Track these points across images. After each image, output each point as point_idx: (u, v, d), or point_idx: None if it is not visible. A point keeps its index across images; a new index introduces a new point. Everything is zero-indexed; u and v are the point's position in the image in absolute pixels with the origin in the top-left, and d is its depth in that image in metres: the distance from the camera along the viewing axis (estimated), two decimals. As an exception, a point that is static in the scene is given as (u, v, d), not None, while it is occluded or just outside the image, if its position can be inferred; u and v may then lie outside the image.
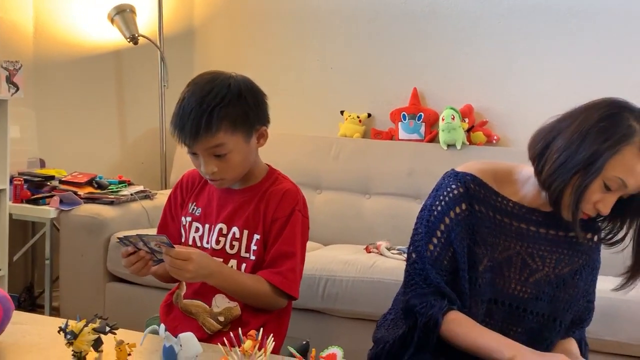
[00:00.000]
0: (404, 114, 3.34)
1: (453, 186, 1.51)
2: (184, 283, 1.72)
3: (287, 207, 1.65)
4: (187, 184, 1.78)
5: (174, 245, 1.52)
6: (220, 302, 1.65)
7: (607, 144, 1.36)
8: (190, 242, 1.71)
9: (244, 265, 1.65)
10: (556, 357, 1.40)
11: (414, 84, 3.38)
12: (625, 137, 1.36)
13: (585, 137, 1.38)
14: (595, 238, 1.56)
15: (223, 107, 1.55)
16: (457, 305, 1.48)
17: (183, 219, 1.74)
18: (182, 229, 1.74)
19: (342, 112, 3.52)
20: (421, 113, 3.31)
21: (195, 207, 1.73)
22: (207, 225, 1.70)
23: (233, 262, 1.66)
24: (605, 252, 1.60)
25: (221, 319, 1.65)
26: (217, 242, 1.67)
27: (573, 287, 1.55)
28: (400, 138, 3.35)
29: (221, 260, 1.65)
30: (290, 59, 3.68)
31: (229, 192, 1.70)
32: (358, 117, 3.46)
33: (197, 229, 1.71)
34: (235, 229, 1.66)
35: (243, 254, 1.66)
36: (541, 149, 1.45)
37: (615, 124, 1.38)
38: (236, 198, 1.69)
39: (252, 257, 1.65)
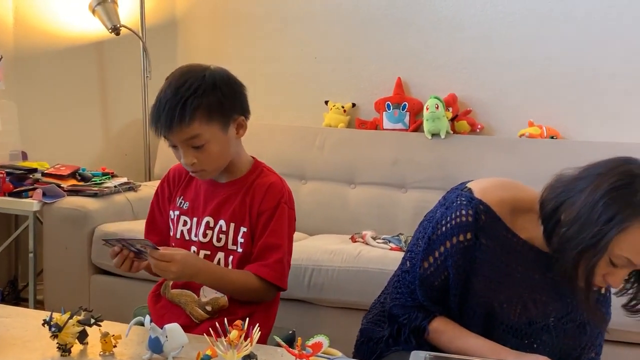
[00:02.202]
0: (388, 104, 3.35)
1: (464, 211, 1.45)
2: None
3: (272, 199, 1.66)
4: (173, 177, 1.78)
5: (159, 247, 1.53)
6: (208, 292, 1.66)
7: (614, 221, 1.27)
8: (179, 236, 1.71)
9: (231, 257, 1.66)
10: (539, 358, 1.40)
11: (398, 73, 3.38)
12: (633, 214, 1.27)
13: (591, 211, 1.29)
14: (603, 291, 1.50)
15: (197, 97, 1.56)
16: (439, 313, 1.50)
17: (171, 212, 1.75)
18: (170, 222, 1.74)
19: (326, 102, 3.51)
20: (405, 102, 3.32)
21: (183, 201, 1.73)
22: (195, 219, 1.70)
23: (220, 255, 1.67)
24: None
25: (209, 308, 1.66)
26: (205, 235, 1.68)
27: (574, 338, 1.50)
28: (384, 128, 3.36)
29: (209, 253, 1.66)
30: (274, 49, 3.67)
31: (215, 185, 1.71)
32: (342, 107, 3.46)
33: (185, 223, 1.72)
34: (222, 222, 1.67)
35: (230, 246, 1.66)
36: (551, 210, 1.38)
37: (624, 196, 1.28)
38: (222, 191, 1.69)
39: (240, 250, 1.66)
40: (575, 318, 1.50)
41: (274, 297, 1.70)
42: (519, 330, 1.48)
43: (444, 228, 1.46)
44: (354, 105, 3.49)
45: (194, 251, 1.66)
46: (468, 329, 1.48)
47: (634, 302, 1.43)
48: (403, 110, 3.32)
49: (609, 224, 1.27)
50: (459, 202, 1.46)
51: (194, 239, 1.69)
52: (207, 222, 1.68)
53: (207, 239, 1.67)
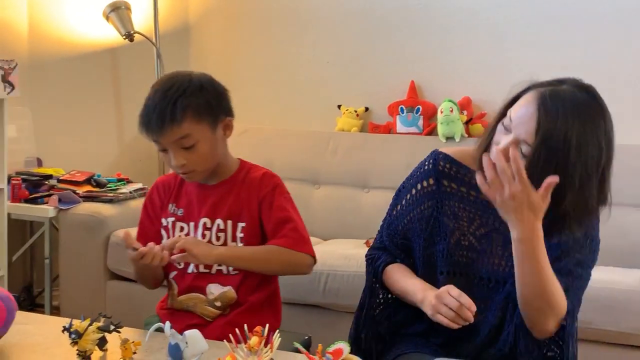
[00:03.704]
0: (401, 107, 3.34)
1: (425, 162, 1.61)
2: (174, 282, 1.73)
3: (268, 185, 1.71)
4: (163, 187, 1.82)
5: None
6: (215, 289, 1.69)
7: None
8: None
9: None
10: (444, 288, 1.41)
11: (412, 76, 3.37)
12: (527, 89, 1.50)
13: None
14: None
15: (186, 97, 1.61)
16: (399, 260, 1.60)
17: (164, 220, 1.77)
18: (162, 230, 1.76)
19: (339, 107, 3.51)
20: (419, 106, 3.31)
21: (176, 208, 1.76)
22: (191, 223, 1.73)
23: None
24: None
25: (218, 304, 1.68)
26: (203, 236, 1.70)
27: (557, 254, 1.47)
28: (398, 131, 3.35)
29: None
30: (286, 53, 3.67)
31: (205, 188, 1.74)
32: (355, 111, 3.45)
33: (181, 228, 1.74)
34: (219, 221, 1.70)
35: (230, 243, 1.69)
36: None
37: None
38: (214, 192, 1.73)
39: (240, 244, 1.69)
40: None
41: (309, 267, 1.73)
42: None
43: (410, 180, 1.62)
44: (367, 109, 3.48)
45: None
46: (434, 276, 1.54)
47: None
48: (417, 113, 3.31)
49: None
50: (423, 159, 1.62)
51: None
52: (204, 223, 1.71)
53: (206, 240, 1.70)
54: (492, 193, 1.36)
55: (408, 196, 1.60)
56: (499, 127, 1.45)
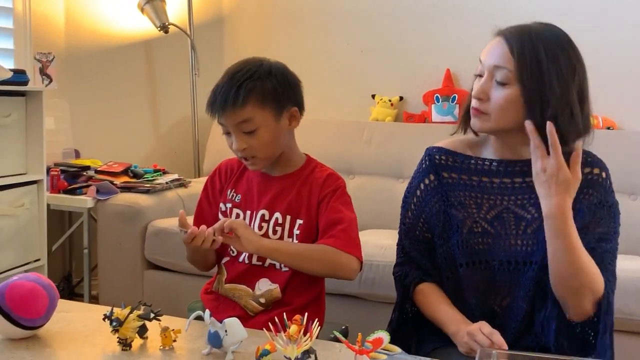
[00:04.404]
0: (437, 96, 3.30)
1: (422, 162, 1.62)
2: (224, 268, 1.73)
3: (330, 186, 1.67)
4: (225, 171, 1.79)
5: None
6: (263, 285, 1.67)
7: None
8: None
9: None
10: (477, 324, 1.41)
11: (447, 65, 3.34)
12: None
13: None
14: (597, 171, 1.49)
15: (252, 81, 1.59)
16: (431, 277, 1.58)
17: (222, 205, 1.75)
18: (220, 214, 1.75)
19: (373, 96, 3.49)
20: (455, 94, 3.27)
21: (235, 194, 1.74)
22: (248, 212, 1.71)
23: None
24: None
25: (262, 300, 1.66)
26: (260, 227, 1.68)
27: (577, 228, 1.45)
28: (433, 120, 3.32)
29: None
30: (320, 43, 3.66)
31: (268, 178, 1.71)
32: (390, 100, 3.43)
33: (237, 215, 1.72)
34: (277, 215, 1.67)
35: (286, 238, 1.66)
36: None
37: None
38: (276, 184, 1.70)
39: (296, 241, 1.66)
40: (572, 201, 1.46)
41: (356, 266, 1.63)
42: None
43: (412, 183, 1.63)
44: (401, 98, 3.45)
45: None
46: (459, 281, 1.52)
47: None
48: (452, 102, 3.27)
49: None
50: (420, 161, 1.64)
51: None
52: (262, 215, 1.68)
53: (263, 232, 1.67)
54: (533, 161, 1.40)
55: (415, 199, 1.60)
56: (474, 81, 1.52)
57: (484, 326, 1.40)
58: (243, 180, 1.75)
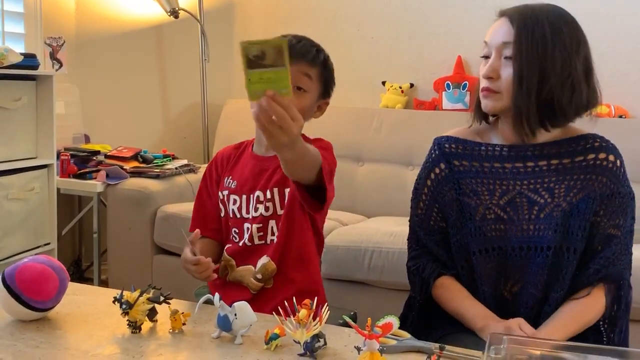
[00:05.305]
0: (448, 83, 3.29)
1: (431, 152, 1.61)
2: (228, 255, 1.72)
3: (318, 142, 1.65)
4: (222, 160, 1.80)
5: None
6: (260, 261, 1.66)
7: None
8: (231, 215, 1.72)
9: (281, 223, 1.65)
10: (515, 320, 1.40)
11: (458, 52, 3.31)
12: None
13: None
14: (612, 158, 1.47)
15: (323, 52, 1.66)
16: (448, 269, 1.54)
17: (220, 193, 1.75)
18: (220, 203, 1.75)
19: (383, 83, 3.47)
20: (466, 82, 3.25)
21: (231, 181, 1.75)
22: (244, 196, 1.70)
23: (272, 223, 1.66)
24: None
25: (259, 276, 1.66)
26: (256, 209, 1.68)
27: (589, 212, 1.45)
28: (444, 108, 3.30)
29: (261, 225, 1.66)
30: (330, 29, 3.64)
31: (261, 160, 1.71)
32: (400, 87, 3.41)
33: (234, 201, 1.72)
34: (268, 192, 1.67)
35: (279, 212, 1.65)
36: None
37: None
38: (270, 165, 1.69)
39: (281, 211, 1.65)
40: (587, 187, 1.46)
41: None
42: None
43: (422, 174, 1.60)
44: (411, 85, 3.44)
45: (247, 229, 1.67)
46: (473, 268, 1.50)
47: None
48: (464, 89, 3.25)
49: None
50: (428, 151, 1.62)
51: (246, 215, 1.69)
52: (257, 197, 1.68)
53: (258, 213, 1.67)
54: None
55: (426, 189, 1.58)
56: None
57: (523, 324, 1.38)
58: (238, 166, 1.76)
